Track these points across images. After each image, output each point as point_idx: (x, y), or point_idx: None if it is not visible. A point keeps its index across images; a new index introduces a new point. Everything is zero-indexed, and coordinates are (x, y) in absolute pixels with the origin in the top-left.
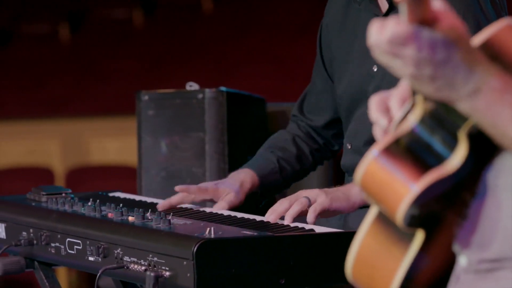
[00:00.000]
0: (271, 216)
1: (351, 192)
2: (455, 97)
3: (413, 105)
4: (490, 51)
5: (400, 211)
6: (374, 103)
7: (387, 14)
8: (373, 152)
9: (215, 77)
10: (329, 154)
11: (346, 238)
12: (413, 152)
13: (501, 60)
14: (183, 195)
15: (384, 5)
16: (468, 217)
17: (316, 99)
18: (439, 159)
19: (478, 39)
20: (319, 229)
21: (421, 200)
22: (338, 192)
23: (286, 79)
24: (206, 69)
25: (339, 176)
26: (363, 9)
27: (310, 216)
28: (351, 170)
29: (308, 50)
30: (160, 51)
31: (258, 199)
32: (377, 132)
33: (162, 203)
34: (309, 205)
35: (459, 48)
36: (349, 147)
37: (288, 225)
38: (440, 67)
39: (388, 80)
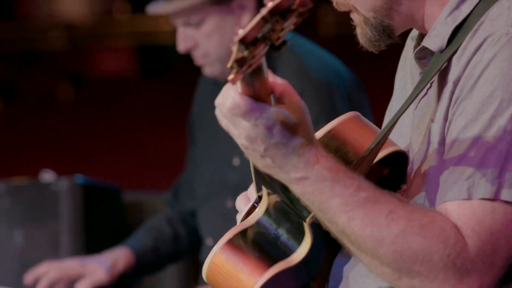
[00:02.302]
0: None
1: None
2: (284, 179)
3: (260, 197)
4: (333, 142)
5: None
6: (241, 201)
7: None
8: (218, 245)
9: (72, 165)
10: None
11: None
12: (259, 244)
13: (342, 150)
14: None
15: None
16: None
17: (187, 183)
18: (285, 251)
19: (323, 130)
20: None
21: None
22: None
23: (145, 167)
24: (63, 156)
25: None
26: None
27: None
28: None
29: (168, 139)
30: (16, 138)
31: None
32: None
33: None
34: None
35: (296, 136)
36: (211, 242)
37: None
38: (272, 149)
39: (249, 173)
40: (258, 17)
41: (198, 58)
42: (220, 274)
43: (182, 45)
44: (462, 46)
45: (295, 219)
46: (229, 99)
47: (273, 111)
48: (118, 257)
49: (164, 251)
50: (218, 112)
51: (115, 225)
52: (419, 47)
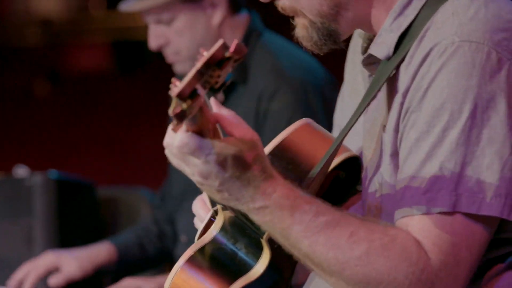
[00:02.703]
0: None
1: None
2: (243, 209)
3: (216, 213)
4: (285, 153)
5: None
6: (197, 205)
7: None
8: (178, 265)
9: (47, 160)
10: None
11: None
12: (218, 261)
13: (295, 161)
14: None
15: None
16: None
17: (170, 184)
18: (244, 266)
19: (275, 141)
20: None
21: None
22: None
23: (120, 163)
24: (38, 152)
25: None
26: None
27: None
28: None
29: (144, 135)
30: None
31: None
32: (197, 223)
33: None
34: None
35: (249, 168)
36: (185, 239)
37: None
38: (227, 183)
39: None
40: (193, 72)
41: (170, 55)
42: None
43: (153, 43)
44: (409, 54)
45: (252, 234)
46: (177, 139)
47: (223, 145)
48: (99, 251)
49: (149, 248)
50: (167, 152)
51: (89, 221)
52: (366, 55)
